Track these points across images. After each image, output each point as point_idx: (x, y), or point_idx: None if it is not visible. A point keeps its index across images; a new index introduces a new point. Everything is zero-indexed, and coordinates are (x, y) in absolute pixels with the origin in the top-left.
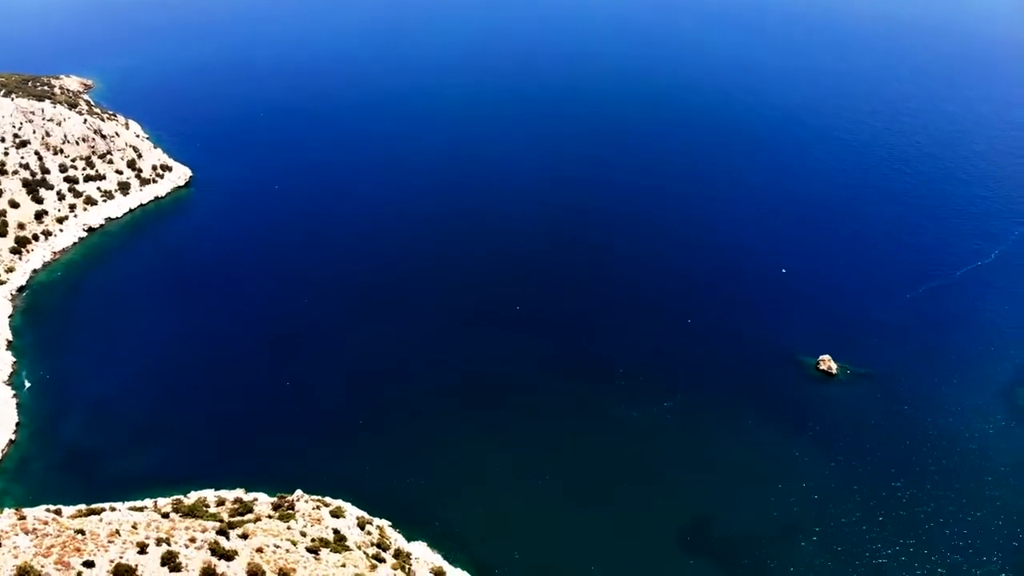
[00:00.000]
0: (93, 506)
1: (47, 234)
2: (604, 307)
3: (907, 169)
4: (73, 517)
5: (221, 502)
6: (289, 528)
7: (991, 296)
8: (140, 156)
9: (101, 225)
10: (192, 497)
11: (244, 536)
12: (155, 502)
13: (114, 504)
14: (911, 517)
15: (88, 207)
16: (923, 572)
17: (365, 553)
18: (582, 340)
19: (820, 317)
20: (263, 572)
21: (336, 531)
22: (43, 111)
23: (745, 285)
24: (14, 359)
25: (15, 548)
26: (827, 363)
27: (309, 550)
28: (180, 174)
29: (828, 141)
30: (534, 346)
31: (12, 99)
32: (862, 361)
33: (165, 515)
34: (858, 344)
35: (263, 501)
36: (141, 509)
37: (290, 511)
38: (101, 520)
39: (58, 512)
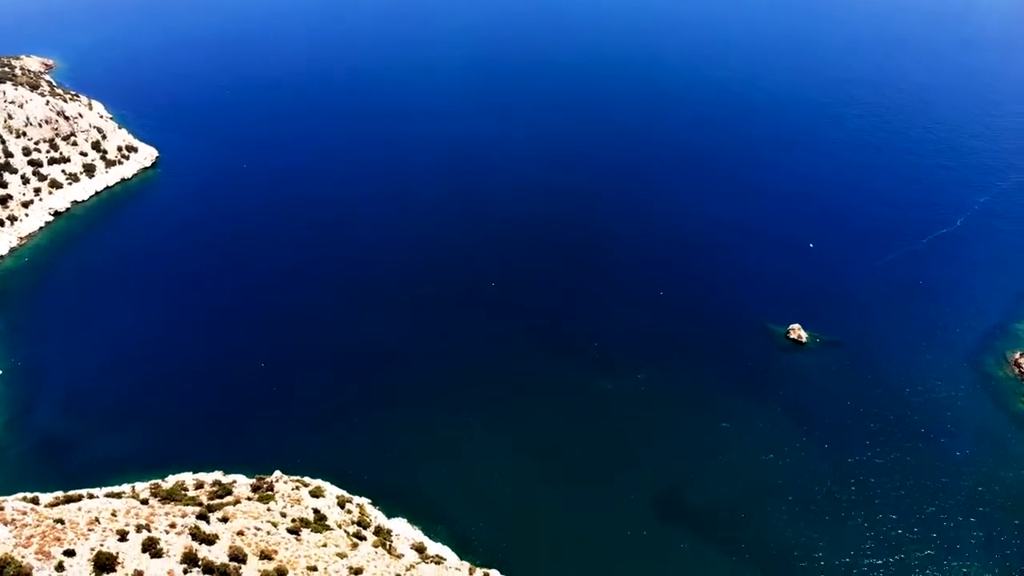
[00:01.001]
0: (70, 493)
1: (13, 219)
2: (578, 282)
3: (873, 140)
4: (51, 505)
5: (200, 485)
6: (269, 510)
7: (956, 263)
8: (105, 137)
9: (67, 209)
10: (170, 481)
11: (224, 519)
12: (133, 487)
13: (91, 490)
14: (881, 482)
15: (53, 191)
16: (895, 535)
17: (345, 531)
18: (557, 315)
19: (789, 287)
20: (245, 555)
21: (316, 511)
22: (4, 93)
23: (716, 257)
24: None
25: None
26: (797, 332)
27: (290, 531)
28: (146, 155)
29: (796, 112)
30: (510, 323)
31: None
32: (831, 329)
33: (144, 501)
34: (827, 313)
35: (242, 483)
36: (119, 495)
37: (269, 492)
38: (80, 509)
39: (35, 500)
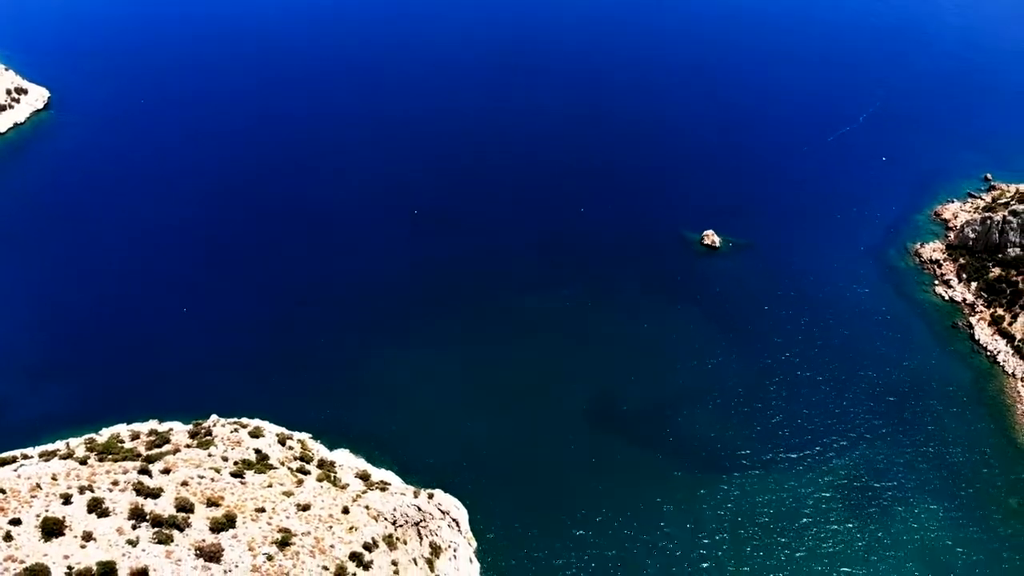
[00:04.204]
0: (3, 455)
1: None
2: (499, 203)
3: (776, 43)
4: None
5: (136, 436)
6: (210, 455)
7: (860, 159)
8: None
9: None
10: (105, 434)
11: (167, 471)
12: (67, 443)
13: (24, 451)
14: (797, 378)
15: None
16: (811, 427)
17: (289, 468)
18: (479, 239)
19: (702, 194)
20: (192, 505)
21: (258, 451)
22: None
23: (631, 170)
24: None
25: None
26: (711, 238)
27: (233, 475)
28: (37, 96)
29: (699, 23)
30: (434, 250)
31: None
32: (742, 233)
33: (83, 461)
34: (738, 217)
35: (179, 430)
36: (53, 453)
37: (208, 437)
38: (20, 476)
39: None
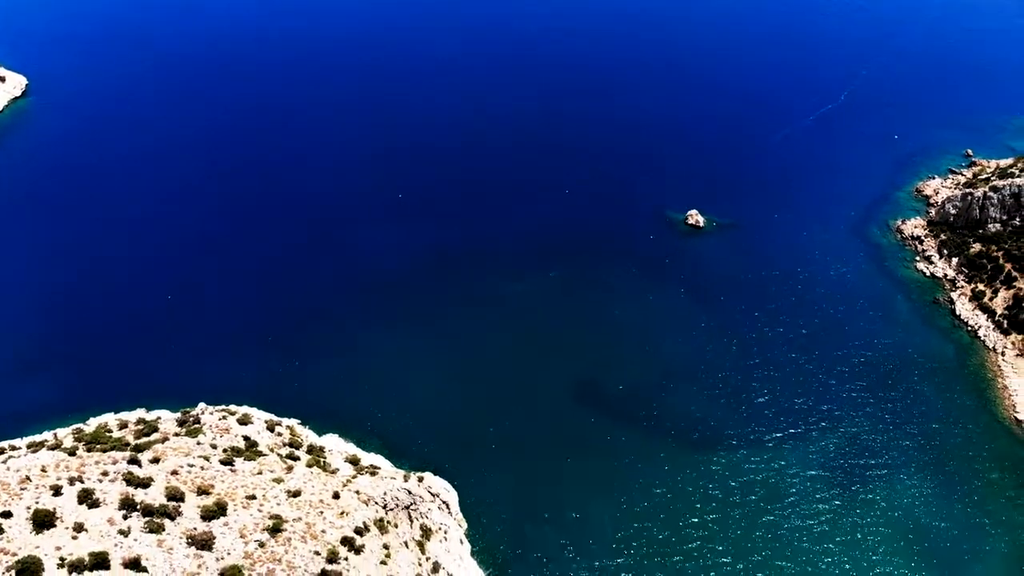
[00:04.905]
0: None
1: None
2: (484, 188)
3: (757, 22)
4: None
5: (124, 425)
6: (199, 443)
7: (841, 137)
8: None
9: None
10: (92, 424)
11: (156, 460)
12: (55, 434)
13: (12, 442)
14: (781, 357)
15: None
16: (795, 406)
17: (279, 455)
18: (466, 223)
19: (685, 174)
20: (182, 494)
21: (246, 438)
22: None
23: (616, 152)
24: None
25: None
26: (695, 217)
27: (223, 462)
28: (15, 83)
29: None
30: (420, 234)
31: None
32: (727, 212)
33: (72, 452)
34: (722, 196)
35: (167, 418)
36: (41, 444)
37: (196, 425)
38: (8, 468)
39: None
